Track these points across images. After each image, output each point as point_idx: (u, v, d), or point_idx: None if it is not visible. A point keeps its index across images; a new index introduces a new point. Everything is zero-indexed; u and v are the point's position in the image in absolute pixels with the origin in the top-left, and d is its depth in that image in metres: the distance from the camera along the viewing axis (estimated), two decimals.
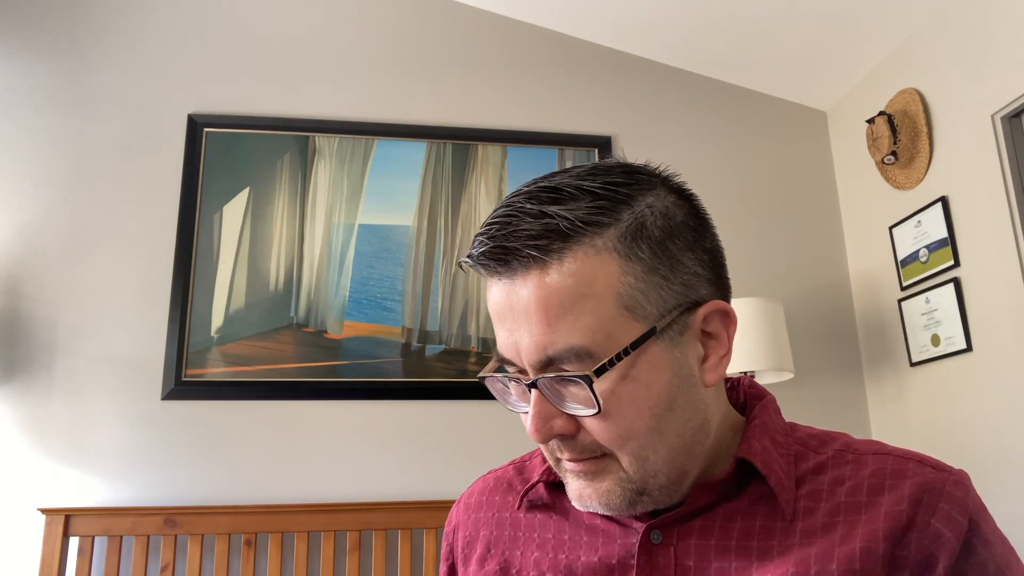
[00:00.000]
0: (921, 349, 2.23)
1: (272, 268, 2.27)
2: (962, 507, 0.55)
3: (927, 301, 2.20)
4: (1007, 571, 0.55)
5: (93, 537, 1.95)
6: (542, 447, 0.62)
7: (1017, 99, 1.93)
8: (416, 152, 2.42)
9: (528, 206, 0.55)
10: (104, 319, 2.15)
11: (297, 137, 2.37)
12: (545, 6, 2.52)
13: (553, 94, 2.54)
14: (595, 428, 0.56)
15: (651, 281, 0.55)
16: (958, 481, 0.56)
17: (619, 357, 0.54)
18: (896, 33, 2.31)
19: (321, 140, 2.38)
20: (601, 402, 0.54)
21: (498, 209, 0.57)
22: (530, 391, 0.57)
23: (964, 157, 2.10)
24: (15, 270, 2.15)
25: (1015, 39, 1.94)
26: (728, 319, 0.59)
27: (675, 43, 2.56)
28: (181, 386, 2.14)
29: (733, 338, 0.60)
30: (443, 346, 2.30)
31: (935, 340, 2.17)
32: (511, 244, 0.55)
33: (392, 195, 2.38)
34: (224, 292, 2.23)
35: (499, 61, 2.55)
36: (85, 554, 1.93)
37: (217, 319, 2.20)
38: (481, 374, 0.62)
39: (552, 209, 0.54)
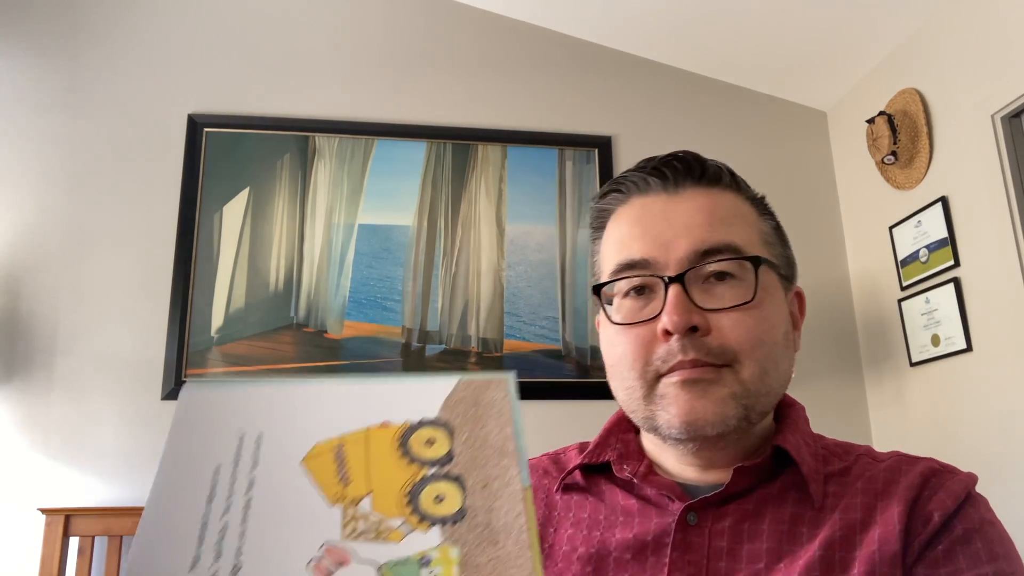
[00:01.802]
0: (921, 349, 2.23)
1: (272, 268, 2.28)
2: (963, 486, 0.59)
3: (927, 301, 2.20)
4: (1002, 561, 0.56)
5: (93, 537, 1.95)
6: (633, 372, 0.62)
7: (1017, 99, 1.93)
8: (416, 152, 2.42)
9: (687, 155, 0.65)
10: (104, 319, 2.15)
11: (297, 137, 2.37)
12: (545, 6, 2.52)
13: (553, 94, 2.54)
14: (734, 325, 0.60)
15: (775, 240, 0.67)
16: (967, 475, 0.61)
17: (771, 264, 0.63)
18: (896, 33, 2.31)
19: (321, 140, 2.38)
20: (756, 293, 0.60)
21: (653, 157, 0.66)
22: (667, 289, 0.60)
23: (964, 157, 2.10)
24: (15, 270, 2.15)
25: (1015, 39, 1.94)
26: (803, 308, 0.69)
27: (675, 43, 2.56)
28: (181, 386, 2.14)
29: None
30: (443, 346, 2.30)
31: (935, 340, 2.17)
32: (689, 159, 0.65)
33: (392, 195, 2.38)
34: (224, 292, 2.23)
35: (499, 61, 2.55)
36: (85, 554, 1.94)
37: (217, 319, 2.21)
38: (606, 278, 0.65)
39: (711, 158, 0.66)
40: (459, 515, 0.35)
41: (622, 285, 0.64)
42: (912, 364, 2.27)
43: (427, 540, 0.34)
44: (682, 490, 0.63)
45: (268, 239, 2.29)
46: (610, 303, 0.65)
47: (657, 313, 0.61)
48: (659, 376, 0.61)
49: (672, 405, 0.60)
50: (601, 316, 0.67)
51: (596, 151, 2.50)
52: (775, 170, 2.62)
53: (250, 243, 2.28)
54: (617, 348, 0.64)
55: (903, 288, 2.31)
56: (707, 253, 0.61)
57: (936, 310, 2.17)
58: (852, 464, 0.63)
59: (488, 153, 2.46)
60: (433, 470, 0.36)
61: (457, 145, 2.45)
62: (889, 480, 0.60)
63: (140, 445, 2.08)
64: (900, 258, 2.32)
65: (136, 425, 2.10)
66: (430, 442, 0.37)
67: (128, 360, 2.14)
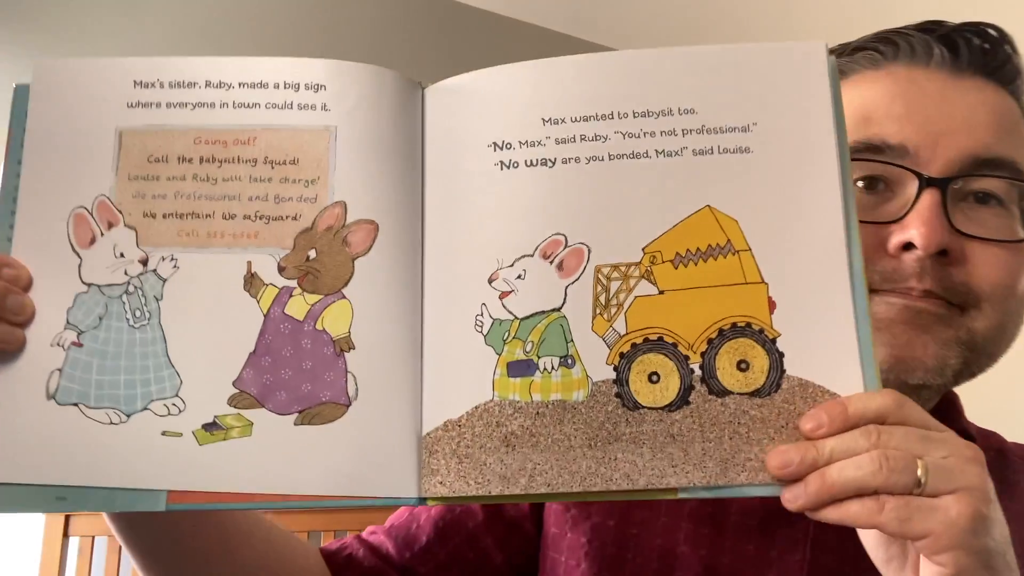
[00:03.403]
0: None
1: None
2: None
3: None
4: None
5: (93, 537, 1.95)
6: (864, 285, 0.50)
7: None
8: None
9: (992, 32, 0.53)
10: None
11: None
12: (545, 6, 2.49)
13: None
14: (989, 263, 0.49)
15: None
16: None
17: None
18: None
19: None
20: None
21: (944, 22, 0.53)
22: (920, 191, 0.48)
23: None
24: None
25: (1014, 39, 1.93)
26: None
27: (675, 43, 2.53)
28: None
29: None
30: None
31: None
32: (993, 40, 0.52)
33: None
34: None
35: (499, 61, 2.57)
36: (85, 554, 1.94)
37: None
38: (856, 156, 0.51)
39: (1008, 49, 0.53)
40: None
41: (854, 170, 0.49)
42: None
43: None
44: None
45: None
46: None
47: (897, 218, 0.48)
48: (869, 291, 0.48)
49: (883, 331, 0.48)
50: None
51: None
52: None
53: None
54: None
55: None
56: (986, 164, 0.49)
57: None
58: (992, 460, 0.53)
59: None
60: None
61: None
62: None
63: None
64: None
65: None
66: None
67: None
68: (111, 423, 0.41)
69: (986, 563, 0.36)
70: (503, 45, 2.54)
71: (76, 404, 0.41)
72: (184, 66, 0.45)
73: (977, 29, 0.52)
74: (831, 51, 0.43)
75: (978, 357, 0.50)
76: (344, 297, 0.42)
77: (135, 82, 0.45)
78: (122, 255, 0.43)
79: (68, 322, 0.42)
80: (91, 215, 0.43)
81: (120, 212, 0.44)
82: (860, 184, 0.51)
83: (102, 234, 0.43)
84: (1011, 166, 0.49)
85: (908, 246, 0.48)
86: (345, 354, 0.42)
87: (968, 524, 0.35)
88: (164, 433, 0.41)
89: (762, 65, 0.43)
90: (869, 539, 0.40)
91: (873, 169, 0.50)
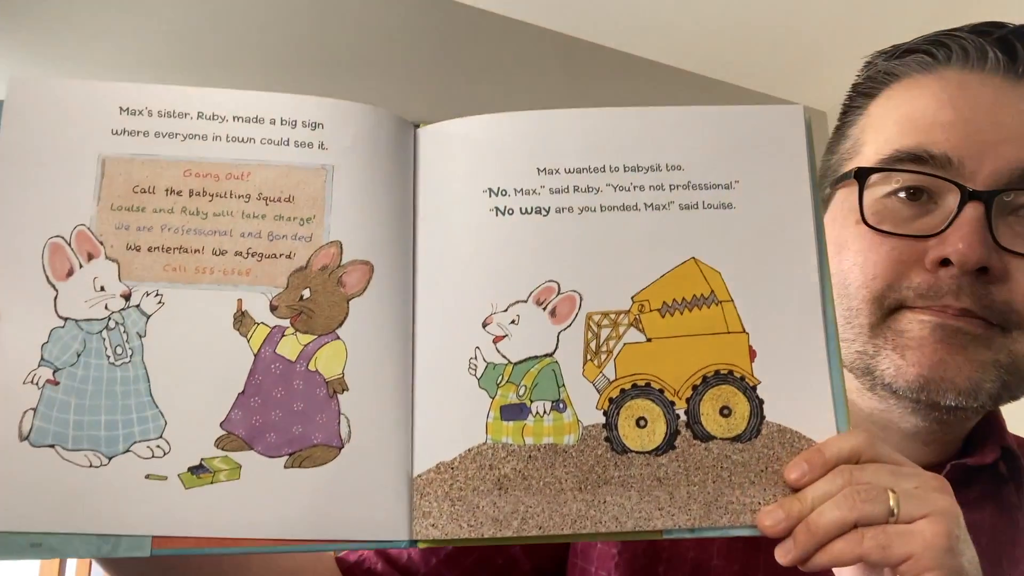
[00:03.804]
0: None
1: None
2: None
3: None
4: None
5: None
6: (866, 291, 0.50)
7: None
8: None
9: None
10: None
11: None
12: (545, 6, 2.48)
13: (553, 94, 2.51)
14: None
15: None
16: None
17: None
18: (896, 33, 2.30)
19: None
20: None
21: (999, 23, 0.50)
22: (963, 205, 0.46)
23: None
24: None
25: None
26: None
27: (675, 43, 2.54)
28: None
29: None
30: None
31: None
32: None
33: None
34: None
35: (499, 61, 2.52)
36: None
37: None
38: (877, 162, 0.50)
39: None
40: None
41: (895, 179, 0.49)
42: None
43: None
44: None
45: None
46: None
47: (937, 232, 0.47)
48: (901, 307, 0.48)
49: (914, 350, 0.47)
50: (838, 210, 0.53)
51: None
52: None
53: None
54: (852, 256, 0.50)
55: None
56: None
57: None
58: None
59: None
60: None
61: None
62: None
63: None
64: None
65: None
66: None
67: None
68: (91, 466, 0.39)
69: None
70: (503, 45, 2.55)
71: (52, 446, 0.39)
72: (175, 95, 0.43)
73: None
74: (882, 52, 0.46)
75: (1020, 380, 0.48)
76: (338, 338, 0.42)
77: (121, 108, 0.43)
78: (103, 288, 0.41)
79: (43, 358, 0.40)
80: (69, 245, 0.42)
81: (101, 243, 0.42)
82: (902, 195, 0.49)
83: (81, 266, 0.42)
84: None
85: (946, 262, 0.46)
86: (338, 396, 0.42)
87: (944, 543, 0.37)
88: (148, 476, 0.40)
89: (744, 126, 0.45)
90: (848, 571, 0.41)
91: (914, 180, 0.48)
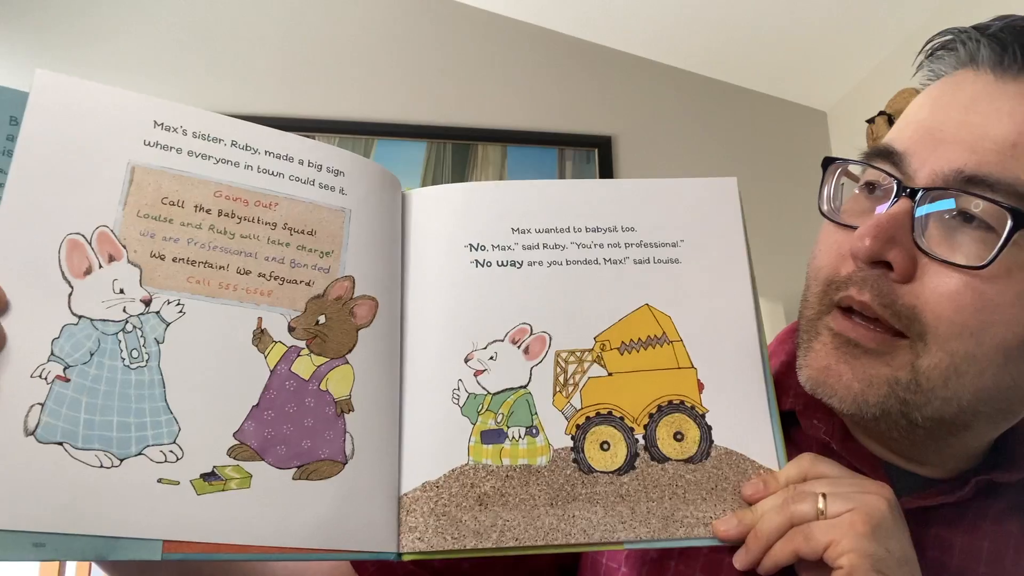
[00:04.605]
0: None
1: None
2: None
3: None
4: None
5: None
6: (816, 283, 0.50)
7: None
8: (416, 152, 2.32)
9: None
10: None
11: None
12: (545, 6, 2.49)
13: (553, 94, 2.51)
14: (944, 291, 0.43)
15: None
16: None
17: None
18: (896, 33, 2.32)
19: (321, 140, 2.17)
20: (995, 263, 0.42)
21: (1012, 17, 0.48)
22: (896, 199, 0.45)
23: None
24: None
25: None
26: None
27: (675, 43, 2.53)
28: None
29: None
30: None
31: None
32: None
33: None
34: None
35: (499, 61, 2.50)
36: None
37: None
38: (843, 158, 0.51)
39: None
40: None
41: (866, 174, 0.49)
42: None
43: None
44: (885, 471, 0.50)
45: None
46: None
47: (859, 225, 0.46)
48: (832, 306, 0.48)
49: (814, 352, 0.48)
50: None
51: (596, 151, 2.49)
52: (775, 170, 2.62)
53: None
54: (817, 247, 0.51)
55: None
56: (971, 181, 0.43)
57: None
58: None
59: (488, 153, 2.39)
60: None
61: (457, 145, 2.36)
62: None
63: None
64: None
65: None
66: None
67: None
68: (101, 466, 0.38)
69: (878, 568, 0.40)
70: (503, 45, 2.53)
71: (61, 443, 0.38)
72: (212, 120, 0.46)
73: None
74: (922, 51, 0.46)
75: (927, 401, 0.45)
76: (347, 362, 0.46)
77: (155, 122, 0.45)
78: (122, 291, 0.42)
79: (53, 353, 0.39)
80: (89, 244, 0.41)
81: (124, 247, 0.42)
82: (865, 188, 0.49)
83: (100, 266, 0.41)
84: (1007, 188, 0.42)
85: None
86: (345, 415, 0.45)
87: (863, 530, 0.40)
88: (161, 480, 0.40)
89: (688, 194, 0.54)
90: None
91: (870, 175, 0.49)
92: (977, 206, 0.43)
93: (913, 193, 0.45)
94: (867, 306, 0.45)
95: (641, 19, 2.53)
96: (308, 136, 2.10)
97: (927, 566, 0.44)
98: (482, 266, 0.51)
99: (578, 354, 0.50)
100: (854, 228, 0.47)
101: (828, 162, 0.52)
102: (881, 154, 0.48)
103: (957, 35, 0.49)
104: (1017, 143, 0.43)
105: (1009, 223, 0.42)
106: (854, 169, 0.52)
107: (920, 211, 0.44)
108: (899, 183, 0.46)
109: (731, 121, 2.76)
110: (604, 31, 2.62)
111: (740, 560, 0.45)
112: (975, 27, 0.48)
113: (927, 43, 0.51)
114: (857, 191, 0.51)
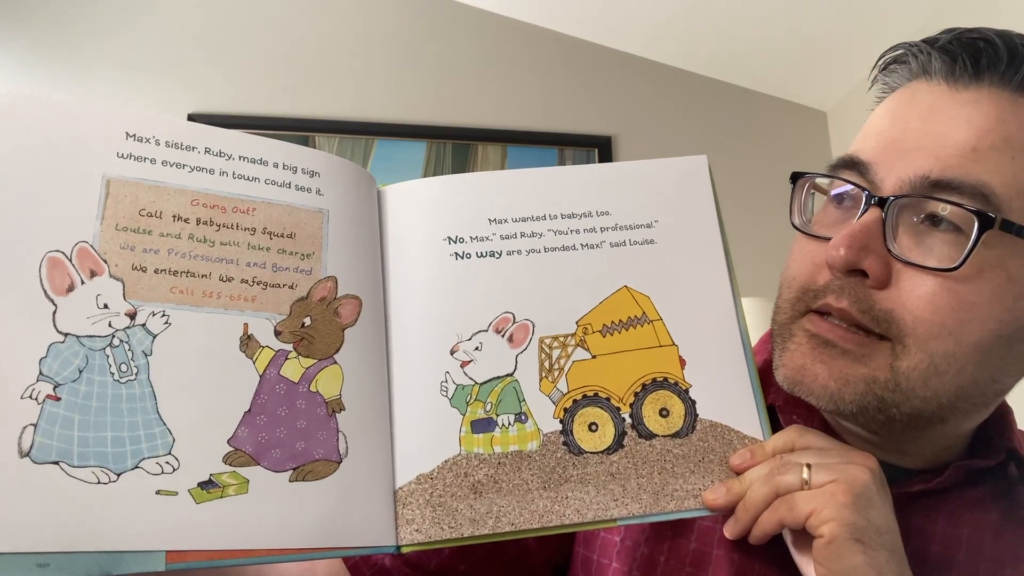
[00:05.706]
0: None
1: None
2: None
3: None
4: None
5: None
6: (789, 291, 0.51)
7: None
8: (416, 152, 2.32)
9: (1000, 39, 0.48)
10: None
11: (297, 137, 2.13)
12: (545, 6, 2.47)
13: (553, 94, 2.50)
14: (921, 294, 0.45)
15: None
16: None
17: (1018, 231, 0.44)
18: (896, 33, 2.17)
19: (321, 140, 2.21)
20: (967, 263, 0.43)
21: (958, 29, 0.50)
22: (866, 208, 0.46)
23: None
24: None
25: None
26: None
27: (675, 43, 2.53)
28: None
29: None
30: None
31: None
32: (998, 45, 0.47)
33: None
34: None
35: (499, 61, 2.48)
36: None
37: None
38: (810, 172, 0.52)
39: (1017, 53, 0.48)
40: None
41: (834, 185, 0.50)
42: None
43: None
44: None
45: None
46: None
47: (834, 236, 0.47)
48: (808, 311, 0.49)
49: (791, 352, 0.50)
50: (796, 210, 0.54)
51: (596, 151, 2.48)
52: (775, 170, 2.58)
53: None
54: (789, 257, 0.53)
55: None
56: (937, 185, 0.45)
57: None
58: None
59: (488, 153, 2.38)
60: None
61: (457, 145, 2.36)
62: None
63: None
64: None
65: None
66: None
67: None
68: (99, 482, 0.39)
69: (857, 536, 0.41)
70: (504, 45, 2.51)
71: (57, 462, 0.38)
72: (184, 128, 0.46)
73: (984, 36, 0.48)
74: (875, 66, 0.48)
75: (905, 400, 0.46)
76: (335, 362, 0.47)
77: (127, 133, 0.44)
78: (106, 306, 0.41)
79: (41, 373, 0.39)
80: (69, 261, 0.41)
81: (105, 261, 0.42)
82: (834, 199, 0.51)
83: (83, 282, 0.41)
84: (971, 190, 0.44)
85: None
86: (337, 415, 0.46)
87: (844, 500, 0.40)
88: (159, 492, 0.40)
89: (659, 175, 0.54)
90: (788, 543, 0.46)
91: (839, 185, 0.50)
92: (944, 209, 0.45)
93: (882, 201, 0.46)
94: (846, 312, 0.47)
95: (641, 19, 2.52)
96: (308, 136, 2.11)
97: (908, 555, 0.45)
98: (462, 258, 0.52)
99: (561, 339, 0.51)
100: (827, 239, 0.48)
101: (796, 176, 0.54)
102: (847, 165, 0.50)
103: (908, 49, 0.51)
104: (977, 147, 0.45)
105: (976, 225, 0.44)
106: (822, 182, 0.53)
107: (890, 218, 0.46)
108: (867, 192, 0.47)
109: (731, 121, 2.75)
110: (604, 31, 2.62)
111: (730, 529, 0.47)
112: (924, 40, 0.50)
113: (880, 58, 0.53)
114: (827, 202, 0.52)
